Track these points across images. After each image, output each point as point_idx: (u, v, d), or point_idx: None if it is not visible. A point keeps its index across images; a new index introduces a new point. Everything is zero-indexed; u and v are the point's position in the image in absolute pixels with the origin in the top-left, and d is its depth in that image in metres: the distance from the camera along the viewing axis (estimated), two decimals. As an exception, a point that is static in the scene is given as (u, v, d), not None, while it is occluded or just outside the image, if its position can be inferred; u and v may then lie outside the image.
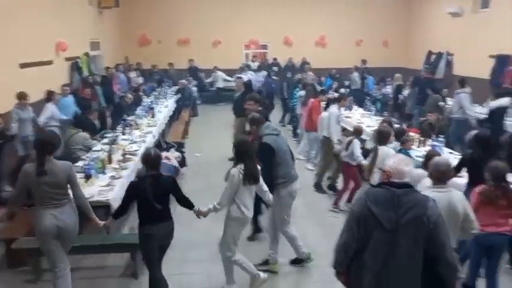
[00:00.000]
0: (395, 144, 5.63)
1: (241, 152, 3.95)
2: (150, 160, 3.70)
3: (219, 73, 15.85)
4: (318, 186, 7.18)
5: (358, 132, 6.54)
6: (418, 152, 6.21)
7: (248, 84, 9.10)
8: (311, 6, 16.66)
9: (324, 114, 7.41)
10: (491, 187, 3.77)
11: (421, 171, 4.15)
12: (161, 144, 8.09)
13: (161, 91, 12.65)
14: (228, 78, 15.43)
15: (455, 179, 4.46)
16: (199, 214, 4.01)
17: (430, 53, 15.13)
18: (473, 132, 8.31)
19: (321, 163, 7.48)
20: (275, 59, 16.46)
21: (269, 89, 11.62)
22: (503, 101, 8.30)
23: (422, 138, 6.90)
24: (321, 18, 16.72)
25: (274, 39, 17.00)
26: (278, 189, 4.44)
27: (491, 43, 11.85)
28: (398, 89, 11.51)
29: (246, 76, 12.89)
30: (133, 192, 3.68)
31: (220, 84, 15.84)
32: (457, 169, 4.64)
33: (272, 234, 4.72)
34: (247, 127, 5.00)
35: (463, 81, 9.29)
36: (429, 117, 7.39)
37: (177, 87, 13.28)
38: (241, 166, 3.92)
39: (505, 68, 11.31)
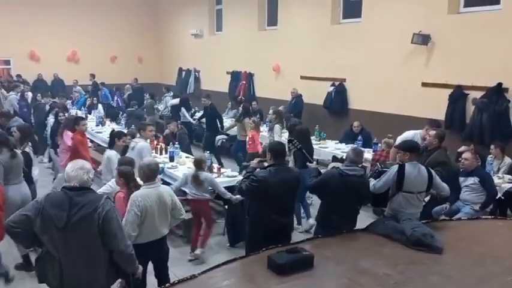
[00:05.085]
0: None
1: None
2: None
3: None
4: None
5: None
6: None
7: None
8: (60, 19, 15.80)
9: (111, 153, 5.56)
10: None
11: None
12: None
13: None
14: None
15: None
16: None
17: (180, 69, 16.52)
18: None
19: None
20: (19, 75, 14.95)
21: (24, 115, 10.21)
22: (175, 101, 11.58)
23: (164, 146, 7.59)
24: (72, 33, 16.02)
25: (17, 53, 15.47)
26: None
27: (226, 61, 13.81)
28: (129, 99, 13.19)
29: None
30: None
31: None
32: None
33: None
34: None
35: (168, 88, 13.48)
36: (169, 128, 8.17)
37: None
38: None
39: (238, 82, 13.38)
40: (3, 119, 7.32)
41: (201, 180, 5.19)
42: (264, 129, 9.27)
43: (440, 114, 7.78)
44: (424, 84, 8.33)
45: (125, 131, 7.73)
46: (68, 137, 6.76)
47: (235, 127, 9.31)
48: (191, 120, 11.04)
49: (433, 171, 3.95)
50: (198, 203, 5.29)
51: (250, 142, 7.81)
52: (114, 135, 5.90)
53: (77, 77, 15.29)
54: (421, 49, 8.25)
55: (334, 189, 3.85)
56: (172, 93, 12.94)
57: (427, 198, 4.52)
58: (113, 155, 5.48)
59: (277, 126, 7.87)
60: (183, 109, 11.02)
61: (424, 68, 8.34)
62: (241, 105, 9.58)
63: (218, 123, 9.65)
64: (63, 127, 7.11)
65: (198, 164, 5.29)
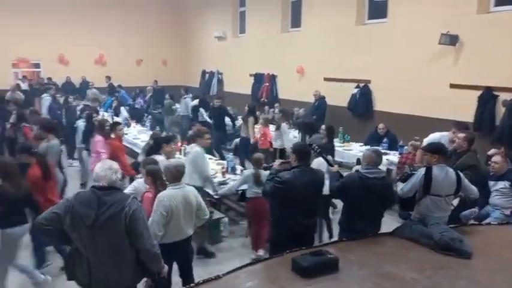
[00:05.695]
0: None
1: None
2: None
3: None
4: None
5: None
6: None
7: None
8: (88, 24, 16.20)
9: (159, 158, 5.14)
10: None
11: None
12: None
13: None
14: None
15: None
16: None
17: (204, 72, 16.68)
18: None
19: None
20: (49, 78, 15.38)
21: (57, 117, 10.25)
22: (195, 102, 12.14)
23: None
24: (99, 36, 16.39)
25: (47, 57, 15.92)
26: None
27: (249, 63, 13.87)
28: (150, 100, 13.71)
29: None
30: None
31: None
32: None
33: None
34: None
35: (186, 90, 13.21)
36: (193, 129, 8.23)
37: None
38: None
39: (261, 84, 13.40)
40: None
41: (262, 178, 5.22)
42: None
43: (468, 116, 7.59)
44: (453, 86, 8.14)
45: (149, 133, 7.88)
46: (96, 142, 6.66)
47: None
48: (208, 119, 11.17)
49: (461, 174, 3.85)
50: (259, 200, 5.14)
51: (262, 138, 8.24)
52: (161, 141, 5.81)
53: (104, 80, 15.65)
54: (449, 50, 8.08)
55: (354, 192, 3.80)
56: (191, 95, 13.15)
57: (455, 202, 4.41)
58: (162, 160, 5.09)
59: (283, 125, 8.12)
60: (201, 109, 11.49)
61: (452, 69, 8.16)
62: (247, 105, 9.65)
63: (230, 122, 10.72)
64: (94, 130, 7.04)
65: (257, 163, 5.41)
